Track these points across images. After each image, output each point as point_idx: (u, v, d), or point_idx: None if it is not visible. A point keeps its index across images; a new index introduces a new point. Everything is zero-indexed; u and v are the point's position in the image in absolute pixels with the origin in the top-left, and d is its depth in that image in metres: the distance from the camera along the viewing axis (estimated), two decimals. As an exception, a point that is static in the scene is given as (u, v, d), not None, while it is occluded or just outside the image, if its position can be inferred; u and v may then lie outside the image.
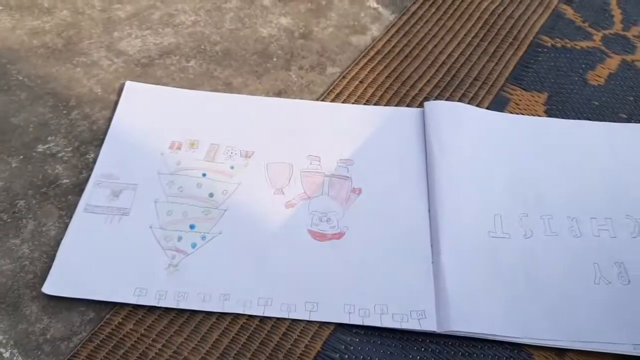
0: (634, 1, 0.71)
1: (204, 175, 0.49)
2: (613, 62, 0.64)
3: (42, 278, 0.43)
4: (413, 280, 0.44)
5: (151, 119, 0.53)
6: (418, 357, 0.41)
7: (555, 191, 0.51)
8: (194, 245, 0.45)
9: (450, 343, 0.42)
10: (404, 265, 0.45)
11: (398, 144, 0.53)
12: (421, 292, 0.44)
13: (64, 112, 0.54)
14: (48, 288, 0.42)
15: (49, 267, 0.43)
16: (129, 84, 0.56)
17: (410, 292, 0.43)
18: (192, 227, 0.46)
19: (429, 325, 0.42)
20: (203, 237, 0.45)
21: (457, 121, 0.54)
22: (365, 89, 0.59)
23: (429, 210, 0.48)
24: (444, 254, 0.45)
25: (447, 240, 0.46)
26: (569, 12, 0.69)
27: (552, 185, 0.51)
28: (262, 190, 0.49)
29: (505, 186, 0.50)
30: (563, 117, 0.58)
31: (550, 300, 0.44)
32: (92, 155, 0.51)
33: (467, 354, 0.42)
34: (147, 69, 0.58)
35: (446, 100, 0.58)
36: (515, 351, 0.42)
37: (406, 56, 0.62)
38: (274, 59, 0.61)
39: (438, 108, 0.56)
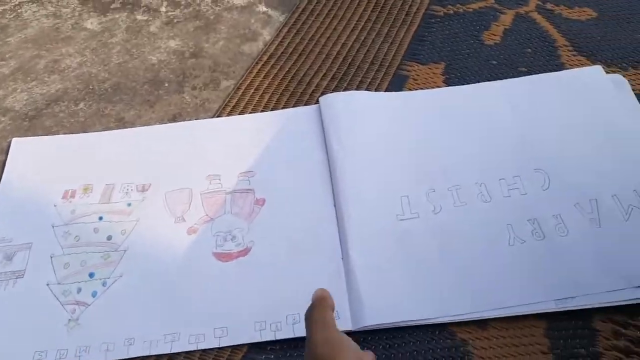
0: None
1: (101, 218, 0.48)
2: (507, 18, 0.63)
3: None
4: (324, 282, 0.42)
5: (41, 173, 0.51)
6: (340, 360, 0.40)
7: (462, 160, 0.49)
8: (94, 294, 0.43)
9: (369, 338, 0.41)
10: (314, 268, 0.44)
11: (297, 145, 0.52)
12: (333, 292, 0.42)
13: (-48, 183, 0.52)
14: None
15: (-56, 349, 0.41)
16: (15, 141, 0.54)
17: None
18: (91, 275, 0.44)
19: (344, 324, 0.40)
20: (104, 284, 0.44)
21: (353, 110, 0.53)
22: (262, 95, 0.57)
23: (335, 207, 0.47)
24: (352, 249, 0.44)
25: (354, 234, 0.45)
26: (458, -23, 0.69)
27: (458, 154, 0.50)
28: (162, 221, 0.47)
29: (409, 165, 0.49)
30: (462, 84, 0.57)
31: (466, 273, 0.43)
32: (-17, 222, 0.49)
33: (387, 345, 0.40)
34: (35, 122, 0.56)
35: (344, 89, 0.57)
36: (437, 332, 0.41)
37: (300, 54, 0.61)
38: (166, 84, 0.60)
39: (332, 100, 0.54)
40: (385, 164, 0.49)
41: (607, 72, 0.55)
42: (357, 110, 0.53)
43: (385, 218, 0.46)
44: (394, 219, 0.46)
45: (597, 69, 0.55)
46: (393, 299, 0.41)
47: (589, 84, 0.54)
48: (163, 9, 0.68)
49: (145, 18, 0.67)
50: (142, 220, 0.47)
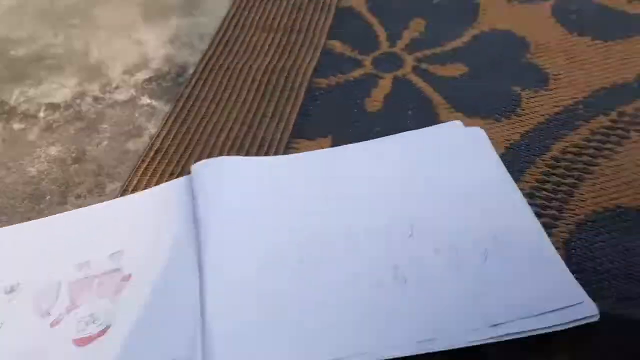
0: (395, 16, 0.74)
1: None
2: (386, 82, 0.65)
3: None
4: (180, 345, 0.42)
5: None
6: None
7: (330, 214, 0.50)
8: None
9: None
10: (171, 335, 0.43)
11: (169, 217, 0.52)
12: (189, 352, 0.41)
13: None
14: None
15: None
16: None
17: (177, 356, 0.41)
18: None
19: None
20: None
21: (222, 175, 0.54)
22: (150, 195, 0.56)
23: (199, 270, 0.47)
24: (209, 304, 0.44)
25: (212, 290, 0.45)
26: (337, 46, 0.70)
27: (326, 209, 0.51)
28: (26, 320, 0.45)
29: (275, 223, 0.50)
30: (349, 155, 0.58)
31: (327, 319, 0.43)
32: None
33: None
34: None
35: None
36: None
37: (186, 147, 0.60)
38: (47, 197, 0.57)
39: (204, 167, 0.55)
40: (252, 223, 0.50)
41: (483, 126, 0.58)
42: (225, 175, 0.54)
43: (247, 270, 0.46)
44: (256, 271, 0.46)
45: (456, 123, 0.58)
46: (248, 345, 0.41)
47: (448, 138, 0.57)
48: (41, 114, 0.65)
49: (23, 126, 0.64)
50: (7, 323, 0.45)
